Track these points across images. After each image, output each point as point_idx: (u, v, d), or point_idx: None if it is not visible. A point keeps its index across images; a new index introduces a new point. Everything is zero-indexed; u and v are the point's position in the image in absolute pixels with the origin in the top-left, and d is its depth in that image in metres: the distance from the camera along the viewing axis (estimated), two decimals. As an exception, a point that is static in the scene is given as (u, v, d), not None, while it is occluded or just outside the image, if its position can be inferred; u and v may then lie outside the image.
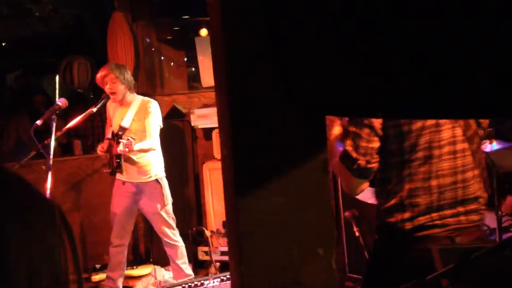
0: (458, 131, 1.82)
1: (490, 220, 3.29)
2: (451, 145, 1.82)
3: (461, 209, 1.82)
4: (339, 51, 0.99)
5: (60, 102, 3.24)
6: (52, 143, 3.10)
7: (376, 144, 1.80)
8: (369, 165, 1.80)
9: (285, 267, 1.08)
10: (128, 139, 3.88)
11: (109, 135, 4.17)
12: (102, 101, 4.01)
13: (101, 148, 4.09)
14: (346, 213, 4.00)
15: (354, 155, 1.80)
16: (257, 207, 1.06)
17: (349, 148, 1.81)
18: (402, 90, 0.98)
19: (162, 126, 4.19)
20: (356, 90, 1.03)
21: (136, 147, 3.92)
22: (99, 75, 4.02)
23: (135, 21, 5.08)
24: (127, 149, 3.86)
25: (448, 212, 1.82)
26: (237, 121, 1.07)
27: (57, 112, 3.31)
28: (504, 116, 0.84)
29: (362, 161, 1.80)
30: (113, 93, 4.01)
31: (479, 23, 0.76)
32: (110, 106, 4.20)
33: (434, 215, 1.82)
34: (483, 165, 1.89)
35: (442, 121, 1.80)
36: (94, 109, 3.90)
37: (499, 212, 2.94)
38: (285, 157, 1.07)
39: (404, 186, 1.81)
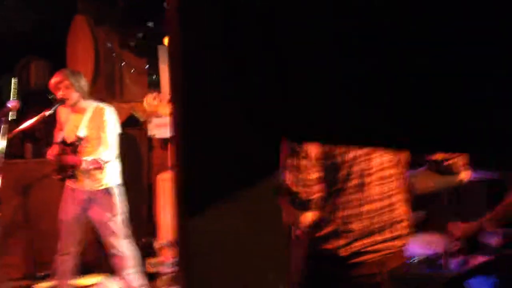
0: (386, 158, 1.90)
1: (437, 243, 3.35)
2: (380, 172, 1.89)
3: (388, 234, 1.90)
4: (297, 77, 0.99)
5: (11, 104, 3.14)
6: (3, 146, 2.99)
7: (314, 175, 1.82)
8: (311, 197, 1.82)
9: (234, 289, 1.07)
10: (94, 159, 3.81)
11: (58, 140, 4.07)
12: (56, 106, 3.92)
13: (50, 153, 4.00)
14: (298, 232, 4.00)
15: (295, 189, 1.81)
16: (208, 228, 1.05)
17: (289, 182, 1.81)
18: (355, 118, 0.98)
19: (120, 132, 4.13)
20: (314, 116, 1.03)
21: (103, 162, 3.84)
22: (53, 81, 3.94)
23: (97, 25, 4.99)
24: (91, 167, 3.79)
25: (378, 238, 1.88)
26: (191, 138, 1.05)
27: (9, 114, 3.21)
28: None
29: (302, 194, 1.81)
30: (66, 99, 3.93)
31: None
32: (62, 111, 4.11)
33: (366, 241, 1.87)
34: (408, 188, 1.97)
35: (372, 150, 1.86)
36: (47, 113, 3.81)
37: (447, 237, 3.01)
38: (239, 178, 1.06)
39: (338, 213, 1.87)
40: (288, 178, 1.81)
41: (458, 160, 1.94)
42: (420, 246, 3.37)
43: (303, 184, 1.81)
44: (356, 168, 1.86)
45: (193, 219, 1.06)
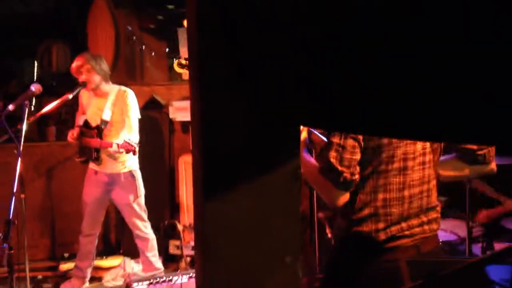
0: (428, 143, 1.88)
1: (461, 229, 3.32)
2: (422, 156, 1.87)
3: (424, 218, 1.88)
4: (317, 62, 0.97)
5: (34, 87, 3.16)
6: (24, 129, 3.02)
7: (359, 156, 1.80)
8: (354, 177, 1.80)
9: (250, 274, 1.06)
10: (126, 141, 3.80)
11: (80, 123, 4.10)
12: (78, 89, 3.94)
13: (71, 135, 4.03)
14: (320, 214, 3.99)
15: (340, 168, 1.79)
16: (224, 211, 1.04)
17: (333, 160, 1.79)
18: (384, 108, 0.96)
19: (140, 117, 4.14)
20: (334, 104, 1.01)
21: (135, 145, 3.84)
22: (74, 65, 3.95)
23: (117, 8, 4.99)
24: (122, 150, 3.80)
25: (414, 221, 1.86)
26: (209, 123, 1.04)
27: (32, 97, 3.24)
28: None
29: (347, 174, 1.79)
30: (88, 83, 3.95)
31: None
32: (84, 94, 4.13)
33: (403, 225, 1.85)
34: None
35: None
36: (70, 96, 3.83)
37: (470, 222, 2.97)
38: (256, 163, 1.05)
39: (378, 196, 1.84)
40: (332, 155, 1.79)
41: (491, 150, 1.92)
42: (443, 232, 3.33)
43: (348, 164, 1.79)
44: (400, 151, 1.82)
45: (210, 202, 1.05)
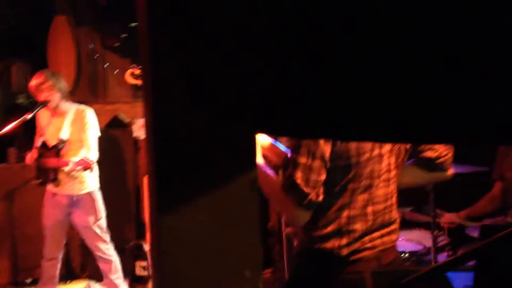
0: (393, 160, 1.89)
1: (426, 239, 3.33)
2: (387, 173, 1.88)
3: (384, 231, 1.90)
4: (274, 64, 0.95)
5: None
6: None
7: (324, 176, 1.79)
8: (318, 199, 1.79)
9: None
10: (83, 158, 3.72)
11: (39, 144, 4.00)
12: (38, 108, 3.85)
13: (30, 157, 3.94)
14: (288, 229, 3.98)
15: (306, 189, 1.77)
16: (180, 226, 1.00)
17: (299, 181, 1.77)
18: (345, 111, 0.94)
19: (99, 135, 4.07)
20: (294, 109, 0.98)
21: (91, 162, 3.77)
22: (34, 83, 3.86)
23: (78, 26, 4.92)
24: (79, 168, 3.71)
25: (375, 234, 1.88)
26: (161, 134, 1.00)
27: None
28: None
29: (313, 195, 1.78)
30: (48, 101, 3.86)
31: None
32: (43, 115, 4.04)
33: (366, 239, 1.86)
34: None
35: (384, 151, 1.85)
36: (29, 116, 3.74)
37: (435, 231, 2.99)
38: (212, 175, 1.02)
39: (343, 213, 1.84)
40: (299, 176, 1.77)
41: (449, 158, 1.95)
42: (408, 242, 3.35)
43: (314, 185, 1.77)
44: (367, 170, 1.83)
45: (164, 216, 1.01)
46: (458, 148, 2.00)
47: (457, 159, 2.09)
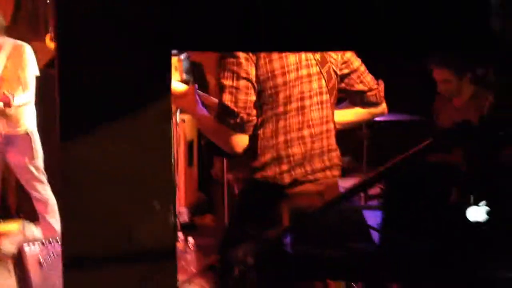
0: (323, 82, 1.87)
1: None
2: (319, 96, 1.87)
3: (327, 162, 1.89)
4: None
5: None
6: None
7: (254, 97, 1.77)
8: (250, 118, 1.77)
9: (117, 220, 1.00)
10: (4, 93, 3.57)
11: None
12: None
13: None
14: (229, 176, 3.99)
15: (236, 109, 1.75)
16: (84, 154, 0.97)
17: (228, 103, 1.75)
18: (265, 22, 0.91)
19: (38, 74, 3.90)
20: (206, 22, 0.95)
21: (15, 102, 3.62)
22: None
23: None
24: (1, 104, 3.56)
25: (318, 165, 1.86)
26: (65, 56, 0.95)
27: None
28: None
29: (244, 115, 1.76)
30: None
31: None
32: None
33: (307, 168, 1.84)
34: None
35: (312, 71, 1.84)
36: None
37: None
38: (120, 102, 0.98)
39: (279, 138, 1.82)
40: (226, 98, 1.75)
41: (381, 90, 1.96)
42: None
43: (244, 105, 1.75)
44: (297, 90, 1.81)
45: (67, 144, 0.98)
46: (393, 95, 2.02)
47: (393, 108, 2.12)
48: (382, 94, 1.97)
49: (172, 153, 1.05)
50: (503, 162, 1.12)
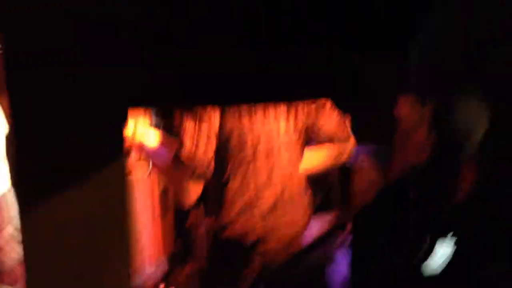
0: (291, 122, 1.85)
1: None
2: (286, 136, 1.84)
3: (294, 211, 1.86)
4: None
5: None
6: None
7: (211, 151, 1.77)
8: (209, 167, 1.77)
9: (76, 282, 1.02)
10: None
11: None
12: None
13: None
14: (206, 224, 3.97)
15: (194, 160, 1.76)
16: (42, 221, 0.99)
17: (186, 154, 1.76)
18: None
19: (7, 128, 3.88)
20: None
21: None
22: None
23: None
24: None
25: (288, 209, 1.85)
26: (19, 120, 0.98)
27: None
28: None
29: (200, 169, 1.77)
30: None
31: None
32: None
33: (279, 212, 1.83)
34: None
35: (278, 111, 1.82)
36: None
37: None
38: (80, 164, 1.00)
39: (250, 183, 1.81)
40: (185, 151, 1.75)
41: (347, 126, 1.92)
42: (316, 227, 3.42)
43: (201, 159, 1.75)
44: (263, 133, 1.80)
45: (30, 212, 1.00)
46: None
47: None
48: (349, 129, 1.94)
49: (127, 211, 1.06)
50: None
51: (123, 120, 1.03)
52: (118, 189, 1.03)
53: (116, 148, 1.02)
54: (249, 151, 1.80)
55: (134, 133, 1.82)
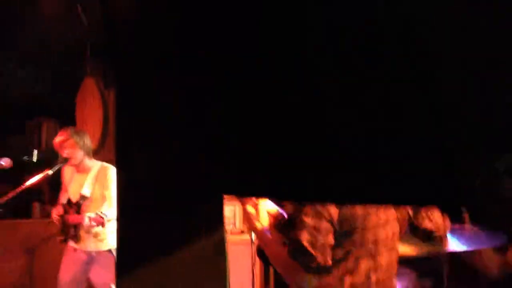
0: (397, 228, 1.86)
1: None
2: (390, 241, 1.83)
3: None
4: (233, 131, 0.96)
5: (4, 161, 3.16)
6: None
7: (332, 240, 1.72)
8: (327, 263, 1.71)
9: None
10: (97, 214, 3.78)
11: (63, 201, 4.07)
12: (59, 165, 3.94)
13: (57, 213, 3.98)
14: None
15: (314, 252, 1.69)
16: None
17: (306, 244, 1.69)
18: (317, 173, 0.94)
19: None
20: (259, 169, 0.98)
21: (105, 218, 3.83)
22: (57, 140, 3.98)
23: (107, 88, 5.09)
24: (94, 223, 3.76)
25: None
26: (123, 188, 1.01)
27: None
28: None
29: (320, 259, 1.70)
30: (70, 158, 3.96)
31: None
32: (67, 170, 4.13)
33: None
34: None
35: (390, 218, 1.82)
36: (50, 172, 3.82)
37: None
38: (173, 238, 1.01)
39: (346, 280, 1.76)
40: (305, 238, 1.70)
41: (445, 230, 1.91)
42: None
43: (323, 248, 1.70)
44: (371, 234, 1.77)
45: (123, 280, 1.00)
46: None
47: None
48: (446, 233, 1.92)
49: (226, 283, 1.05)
50: None
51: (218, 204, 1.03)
52: (214, 258, 1.01)
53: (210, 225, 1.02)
54: (353, 250, 1.77)
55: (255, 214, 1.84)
